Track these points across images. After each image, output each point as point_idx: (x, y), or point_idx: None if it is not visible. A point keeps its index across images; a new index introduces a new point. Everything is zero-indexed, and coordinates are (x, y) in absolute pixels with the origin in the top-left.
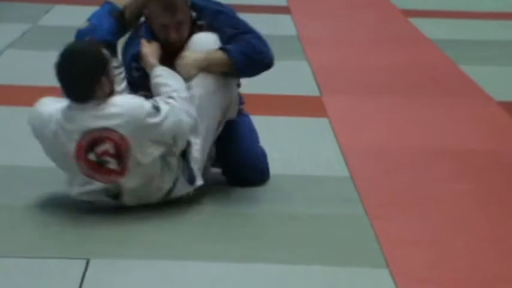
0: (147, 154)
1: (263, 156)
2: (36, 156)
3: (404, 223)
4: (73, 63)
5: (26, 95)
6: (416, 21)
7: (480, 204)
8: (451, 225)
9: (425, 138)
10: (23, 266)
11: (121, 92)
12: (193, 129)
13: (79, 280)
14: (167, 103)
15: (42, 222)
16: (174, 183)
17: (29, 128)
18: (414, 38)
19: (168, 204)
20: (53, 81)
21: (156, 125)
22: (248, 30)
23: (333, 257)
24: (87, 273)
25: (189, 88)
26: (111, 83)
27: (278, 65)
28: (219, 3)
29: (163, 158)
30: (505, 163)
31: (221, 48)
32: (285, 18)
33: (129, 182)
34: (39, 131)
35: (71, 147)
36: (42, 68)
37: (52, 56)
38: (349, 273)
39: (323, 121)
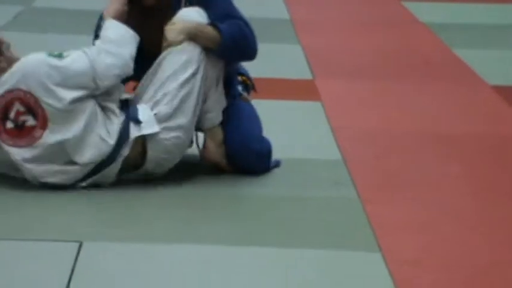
0: (59, 99)
1: (267, 148)
2: None
3: (397, 207)
4: None
5: None
6: (409, 5)
7: (471, 188)
8: (442, 209)
9: (417, 122)
10: (15, 248)
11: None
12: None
13: (72, 263)
14: (82, 50)
15: (34, 205)
16: (123, 128)
17: None
18: (407, 21)
19: (159, 186)
20: None
21: (58, 68)
22: (240, 17)
23: (325, 240)
24: (80, 256)
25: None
26: (8, 60)
27: (271, 48)
28: None
29: (101, 105)
30: (497, 147)
31: (213, 24)
32: (277, 1)
33: (54, 132)
34: None
35: None
36: (35, 50)
37: (45, 39)
38: (341, 256)
39: (316, 104)
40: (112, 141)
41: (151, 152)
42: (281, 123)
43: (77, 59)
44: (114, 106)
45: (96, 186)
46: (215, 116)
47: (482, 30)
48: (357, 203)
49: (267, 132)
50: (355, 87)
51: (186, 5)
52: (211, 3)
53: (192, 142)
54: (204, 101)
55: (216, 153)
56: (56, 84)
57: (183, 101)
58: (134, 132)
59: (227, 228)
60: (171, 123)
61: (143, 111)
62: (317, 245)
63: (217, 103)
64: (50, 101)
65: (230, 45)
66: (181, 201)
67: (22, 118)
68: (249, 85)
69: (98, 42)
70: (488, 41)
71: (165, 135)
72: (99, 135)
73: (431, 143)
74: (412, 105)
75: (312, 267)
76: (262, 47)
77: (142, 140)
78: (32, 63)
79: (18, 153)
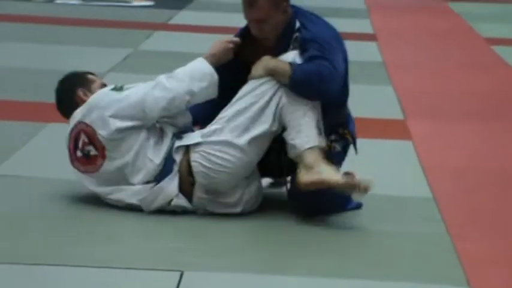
0: (109, 129)
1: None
2: None
3: (485, 243)
4: (57, 92)
5: None
6: (499, 49)
7: None
8: None
9: (506, 161)
10: (119, 276)
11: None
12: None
13: None
14: (147, 84)
15: (138, 234)
16: (169, 146)
17: None
18: (497, 65)
19: (253, 220)
20: None
21: (115, 101)
22: (328, 58)
23: (416, 273)
24: (181, 285)
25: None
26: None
27: (364, 89)
28: (321, 25)
29: (159, 129)
30: None
31: (290, 62)
32: (371, 45)
33: (112, 160)
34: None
35: (69, 159)
36: None
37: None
38: None
39: (407, 143)
40: (158, 160)
41: (194, 163)
42: (373, 161)
43: (133, 92)
44: (170, 130)
45: (185, 213)
46: (299, 143)
47: None
48: (447, 239)
49: (359, 170)
50: (445, 128)
51: (293, 44)
52: (314, 44)
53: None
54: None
55: (309, 174)
56: (111, 115)
57: (230, 120)
58: (176, 144)
59: (319, 260)
60: (214, 137)
61: (193, 133)
62: (408, 278)
63: (302, 132)
64: (102, 132)
65: (300, 81)
66: (274, 234)
67: (87, 148)
68: (348, 141)
69: (162, 75)
70: None
71: (206, 148)
72: (148, 157)
73: None
74: (500, 145)
75: None
76: (356, 88)
77: (188, 157)
78: (97, 98)
79: (87, 179)
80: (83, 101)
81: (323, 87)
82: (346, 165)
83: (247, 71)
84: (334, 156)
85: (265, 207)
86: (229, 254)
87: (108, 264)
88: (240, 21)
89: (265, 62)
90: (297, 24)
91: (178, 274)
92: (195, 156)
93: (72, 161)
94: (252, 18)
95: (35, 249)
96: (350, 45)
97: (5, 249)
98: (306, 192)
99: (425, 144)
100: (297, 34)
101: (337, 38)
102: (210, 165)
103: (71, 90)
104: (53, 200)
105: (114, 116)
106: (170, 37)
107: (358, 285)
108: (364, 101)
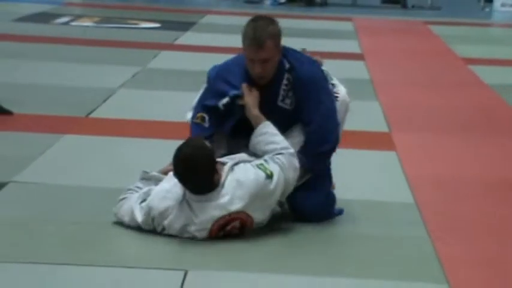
0: (266, 216)
1: (330, 201)
2: None
3: (463, 245)
4: (193, 168)
5: (135, 128)
6: (475, 68)
7: None
8: (506, 248)
9: (482, 170)
10: (126, 275)
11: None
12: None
13: None
14: (276, 162)
15: (144, 236)
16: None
17: (138, 161)
18: (473, 82)
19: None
20: (158, 116)
21: (272, 192)
22: (324, 119)
23: (397, 273)
24: (185, 284)
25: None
26: (219, 170)
27: (352, 105)
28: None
29: None
30: None
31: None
32: (359, 64)
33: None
34: (157, 222)
35: (203, 234)
36: (149, 104)
37: (158, 95)
38: None
39: (391, 154)
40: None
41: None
42: (360, 170)
43: (279, 179)
44: None
45: None
46: None
47: None
48: (427, 241)
49: (347, 178)
50: (427, 139)
51: (284, 88)
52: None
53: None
54: None
55: None
56: (269, 205)
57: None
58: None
59: (312, 261)
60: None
61: None
62: (391, 277)
63: None
64: (261, 216)
65: (313, 165)
66: (272, 238)
67: (232, 230)
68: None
69: (284, 151)
70: None
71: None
72: None
73: (493, 189)
74: (477, 155)
75: None
76: None
77: None
78: (259, 189)
79: None
80: (218, 178)
81: (324, 151)
82: (335, 175)
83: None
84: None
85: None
86: (231, 254)
87: (116, 264)
88: (238, 42)
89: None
90: (287, 65)
91: (182, 273)
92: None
93: (208, 236)
94: (259, 58)
95: (50, 250)
96: (340, 64)
97: (23, 250)
98: (297, 202)
99: (408, 155)
100: (287, 75)
101: (324, 77)
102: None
103: (211, 171)
104: (67, 205)
105: (270, 205)
106: (176, 56)
107: (345, 283)
108: (352, 115)
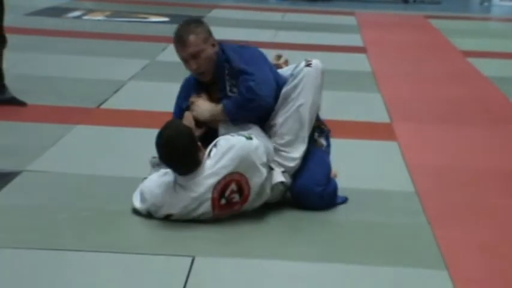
0: (261, 179)
1: (331, 188)
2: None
3: (462, 231)
4: (176, 149)
5: (144, 119)
6: (474, 61)
7: None
8: (504, 234)
9: (481, 160)
10: (135, 261)
11: None
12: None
13: (185, 275)
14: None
15: (154, 223)
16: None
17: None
18: (472, 74)
19: (257, 213)
20: (167, 107)
21: (256, 148)
22: (250, 73)
23: (398, 259)
24: (193, 269)
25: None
26: (201, 147)
27: (355, 96)
28: (244, 51)
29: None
30: None
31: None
32: (361, 57)
33: (249, 205)
34: (153, 210)
35: (207, 206)
36: (158, 96)
37: (167, 87)
38: (413, 274)
39: (393, 144)
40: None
41: None
42: (362, 160)
43: (255, 139)
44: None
45: None
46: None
47: None
48: (427, 228)
49: (349, 167)
50: (428, 130)
51: (228, 78)
52: (241, 70)
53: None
54: None
55: None
56: (262, 164)
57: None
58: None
59: (316, 248)
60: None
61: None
62: (392, 263)
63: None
64: (256, 179)
65: (236, 113)
66: (277, 225)
67: (232, 195)
68: (325, 130)
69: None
70: None
71: None
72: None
73: (492, 178)
74: (476, 145)
75: (387, 283)
76: (347, 95)
77: None
78: (245, 149)
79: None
80: (202, 154)
81: (255, 101)
82: (338, 164)
83: None
84: (324, 152)
85: (268, 203)
86: (237, 241)
87: (125, 250)
88: (244, 35)
89: (205, 111)
90: (223, 57)
91: (190, 259)
92: None
93: (213, 209)
94: (187, 54)
95: (62, 237)
96: (342, 57)
97: (37, 237)
98: (300, 191)
99: (409, 145)
100: (227, 65)
101: (259, 54)
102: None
103: (193, 151)
104: (79, 193)
105: (263, 164)
106: None
107: (345, 269)
108: (355, 106)
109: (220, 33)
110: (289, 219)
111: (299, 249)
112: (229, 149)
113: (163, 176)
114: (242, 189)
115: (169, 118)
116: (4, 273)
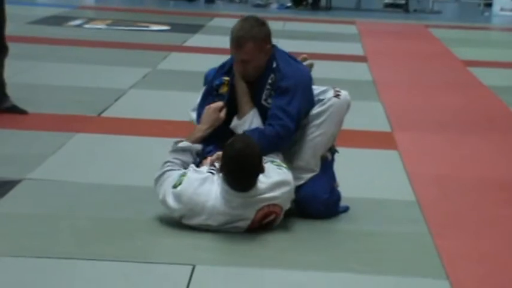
0: (288, 206)
1: (335, 198)
2: (151, 178)
3: (462, 241)
4: (247, 165)
5: (145, 127)
6: (475, 70)
7: None
8: (505, 244)
9: (481, 169)
10: (136, 269)
11: None
12: None
13: (185, 284)
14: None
15: (154, 231)
16: None
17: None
18: (472, 83)
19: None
20: (168, 115)
21: (291, 181)
22: (282, 116)
23: (399, 268)
24: (193, 278)
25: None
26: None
27: (356, 105)
28: (295, 71)
29: None
30: None
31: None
32: (362, 66)
33: None
34: (188, 216)
35: (244, 223)
36: (159, 104)
37: (168, 95)
38: (413, 283)
39: (393, 153)
40: None
41: None
42: (362, 169)
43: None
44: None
45: None
46: None
47: None
48: (428, 238)
49: (350, 176)
50: (428, 139)
51: (268, 88)
52: (275, 96)
53: None
54: None
55: None
56: (291, 195)
57: None
58: None
59: (317, 257)
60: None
61: None
62: (393, 272)
63: None
64: (286, 207)
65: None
66: (280, 233)
67: (267, 221)
68: (332, 148)
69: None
70: None
71: None
72: None
73: (494, 188)
74: (476, 154)
75: None
76: None
77: None
78: (292, 190)
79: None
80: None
81: (276, 142)
82: (339, 173)
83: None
84: (328, 164)
85: None
86: (238, 249)
87: (126, 259)
88: None
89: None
90: (274, 64)
91: (190, 268)
92: None
93: (248, 227)
94: (238, 58)
95: (63, 245)
96: (344, 65)
97: (37, 245)
98: (307, 198)
99: (410, 154)
100: (272, 75)
101: (307, 79)
102: None
103: (260, 167)
104: (80, 201)
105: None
106: (184, 58)
107: (349, 278)
108: (356, 115)
109: (220, 42)
110: (290, 227)
111: (300, 258)
112: (284, 184)
113: (205, 182)
114: (276, 219)
115: (169, 126)
116: (5, 282)
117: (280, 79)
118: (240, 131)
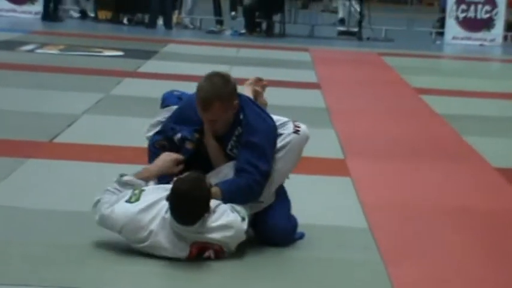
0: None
1: (292, 224)
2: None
3: (414, 268)
4: (190, 205)
5: (98, 153)
6: (427, 98)
7: (476, 253)
8: (456, 270)
9: (432, 196)
10: None
11: None
12: None
13: None
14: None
15: (108, 257)
16: None
17: (97, 186)
18: (424, 112)
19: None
20: (120, 141)
21: (244, 231)
22: (253, 171)
23: None
24: None
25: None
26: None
27: (309, 132)
28: (260, 124)
29: None
30: (498, 220)
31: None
32: (316, 93)
33: None
34: (129, 233)
35: (183, 255)
36: (112, 130)
37: (121, 121)
38: None
39: (346, 180)
40: None
41: None
42: (315, 195)
43: (247, 220)
44: None
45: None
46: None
47: (492, 121)
48: (380, 264)
49: (304, 203)
50: (380, 166)
51: (234, 139)
52: (241, 149)
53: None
54: None
55: None
56: (240, 240)
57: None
58: None
59: (272, 284)
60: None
61: None
62: None
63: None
64: (231, 249)
65: (230, 198)
66: (232, 261)
67: (207, 256)
68: None
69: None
70: (497, 131)
71: None
72: None
73: (446, 214)
74: (427, 181)
75: None
76: None
77: None
78: (237, 235)
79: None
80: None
81: (250, 194)
82: (293, 198)
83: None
84: (283, 191)
85: None
86: (187, 277)
87: (79, 285)
88: (198, 70)
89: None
90: (241, 116)
91: None
92: None
93: (186, 258)
94: (206, 119)
95: (16, 271)
96: (296, 93)
97: None
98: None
99: (362, 181)
100: (239, 128)
101: (274, 140)
102: None
103: (205, 209)
104: (31, 228)
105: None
106: (138, 83)
107: None
108: (309, 142)
109: (174, 68)
110: (243, 253)
111: (251, 285)
112: (226, 228)
113: (158, 203)
114: (217, 256)
115: (122, 152)
116: None
117: (248, 132)
118: (214, 181)
